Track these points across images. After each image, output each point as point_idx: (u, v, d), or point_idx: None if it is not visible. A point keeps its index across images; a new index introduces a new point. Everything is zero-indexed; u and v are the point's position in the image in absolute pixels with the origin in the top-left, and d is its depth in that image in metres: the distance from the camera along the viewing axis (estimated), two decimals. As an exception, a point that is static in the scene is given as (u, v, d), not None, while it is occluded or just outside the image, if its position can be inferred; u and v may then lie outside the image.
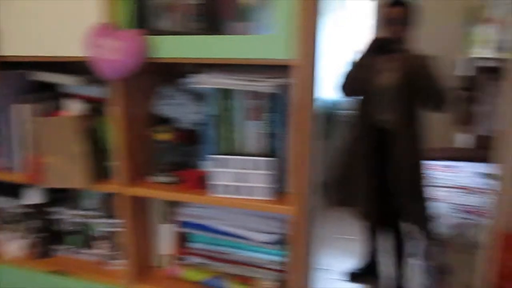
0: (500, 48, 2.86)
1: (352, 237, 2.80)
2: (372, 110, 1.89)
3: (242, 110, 1.34)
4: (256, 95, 1.30)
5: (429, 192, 2.01)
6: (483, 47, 3.10)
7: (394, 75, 1.84)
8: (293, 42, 1.11)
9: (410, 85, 1.79)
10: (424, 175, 1.98)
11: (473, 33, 3.34)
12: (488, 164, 3.37)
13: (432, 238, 2.13)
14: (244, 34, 1.19)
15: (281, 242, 1.37)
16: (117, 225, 1.52)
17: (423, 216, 2.02)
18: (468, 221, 2.32)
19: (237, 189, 1.31)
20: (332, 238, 2.94)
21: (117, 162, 1.38)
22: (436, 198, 2.61)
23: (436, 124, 2.53)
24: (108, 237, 1.58)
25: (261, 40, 1.14)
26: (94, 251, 1.62)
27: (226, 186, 1.32)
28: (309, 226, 1.40)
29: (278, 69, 1.23)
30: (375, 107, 1.87)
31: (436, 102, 1.83)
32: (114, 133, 1.37)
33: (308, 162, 1.24)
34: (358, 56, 1.95)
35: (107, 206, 1.56)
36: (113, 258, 1.58)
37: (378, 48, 1.80)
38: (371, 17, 3.12)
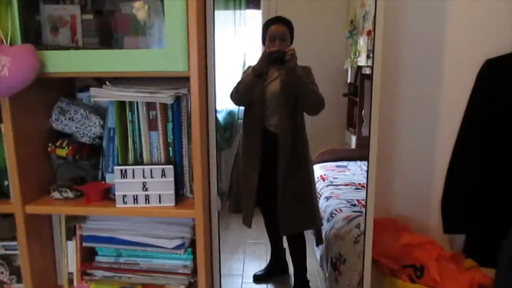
0: (372, 57, 3.21)
1: (263, 241, 2.92)
2: (260, 116, 2.03)
3: (142, 121, 1.38)
4: (155, 106, 1.36)
5: (316, 191, 2.18)
6: (364, 56, 3.45)
7: (278, 84, 2.01)
8: (185, 55, 1.19)
9: (291, 92, 1.97)
10: (312, 175, 2.16)
11: (357, 44, 3.69)
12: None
13: (320, 234, 2.34)
14: (138, 48, 1.25)
15: (190, 247, 1.43)
16: (16, 246, 1.46)
17: (314, 218, 2.20)
18: (357, 213, 2.56)
19: (141, 198, 1.35)
20: (246, 243, 3.03)
21: (12, 180, 1.34)
22: (330, 196, 2.83)
23: (330, 127, 2.77)
24: (7, 260, 1.50)
25: (154, 54, 1.21)
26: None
27: (130, 196, 1.35)
28: (213, 229, 1.48)
29: (177, 80, 1.30)
30: (263, 113, 2.01)
31: (311, 107, 2.03)
32: (6, 150, 1.32)
33: (207, 168, 1.32)
34: (249, 68, 2.09)
35: (8, 226, 1.49)
36: (12, 281, 1.51)
37: (266, 60, 1.95)
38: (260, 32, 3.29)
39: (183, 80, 1.27)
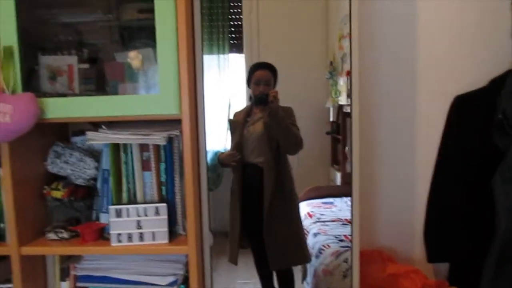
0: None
1: (253, 281, 2.92)
2: (247, 154, 2.13)
3: (136, 162, 1.45)
4: (148, 147, 1.43)
5: (304, 228, 2.24)
6: (344, 95, 3.60)
7: (261, 125, 2.14)
8: (176, 99, 1.28)
9: (273, 132, 2.09)
10: (298, 211, 2.23)
11: (337, 84, 3.86)
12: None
13: (306, 269, 2.39)
14: (131, 94, 1.33)
15: (183, 284, 1.46)
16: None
17: (302, 253, 2.26)
18: (345, 248, 2.61)
19: (135, 236, 1.39)
20: (236, 283, 3.01)
21: (8, 223, 1.37)
22: (318, 232, 2.88)
23: (315, 165, 2.85)
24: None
25: (148, 99, 1.30)
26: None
27: (125, 234, 1.39)
28: (206, 265, 1.52)
29: (168, 122, 1.39)
30: (247, 153, 2.13)
31: (289, 146, 2.14)
32: (4, 194, 1.37)
33: (199, 206, 1.38)
34: (237, 110, 2.22)
35: (3, 269, 1.50)
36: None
37: (253, 102, 2.08)
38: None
39: (175, 122, 1.35)
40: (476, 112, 1.68)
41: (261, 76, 2.13)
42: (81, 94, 1.40)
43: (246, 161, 2.16)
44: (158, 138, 1.36)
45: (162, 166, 1.45)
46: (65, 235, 1.46)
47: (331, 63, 4.02)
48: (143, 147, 1.45)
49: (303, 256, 2.31)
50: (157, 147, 1.44)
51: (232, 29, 4.21)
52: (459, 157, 1.70)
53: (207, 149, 3.13)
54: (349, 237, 2.84)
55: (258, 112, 2.16)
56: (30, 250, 1.39)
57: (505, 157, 1.49)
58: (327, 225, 3.19)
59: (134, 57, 1.28)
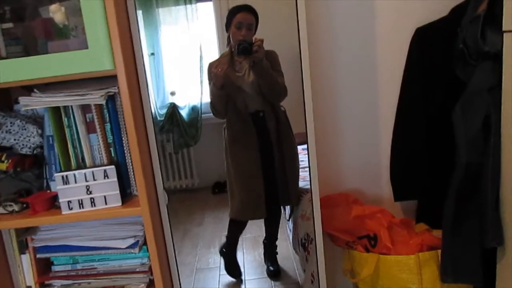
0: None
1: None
2: (244, 104, 2.05)
3: (80, 125, 1.37)
4: (90, 108, 1.35)
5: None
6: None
7: (251, 74, 2.04)
8: (108, 53, 1.19)
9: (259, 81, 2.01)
10: (297, 151, 2.21)
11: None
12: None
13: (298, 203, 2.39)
14: (62, 51, 1.23)
15: (145, 245, 1.43)
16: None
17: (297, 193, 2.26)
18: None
19: (86, 202, 1.34)
20: (222, 236, 3.02)
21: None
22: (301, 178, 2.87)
23: (301, 110, 2.81)
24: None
25: (77, 55, 1.20)
26: None
27: (75, 201, 1.34)
28: (165, 223, 1.49)
29: (108, 80, 1.30)
30: (246, 102, 2.05)
31: (273, 95, 2.07)
32: None
33: (150, 165, 1.32)
34: (212, 60, 2.11)
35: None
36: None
37: (235, 50, 1.97)
38: (218, 22, 3.28)
39: (114, 79, 1.26)
40: (438, 44, 1.60)
41: (243, 19, 1.99)
42: (8, 57, 1.29)
43: (245, 111, 2.08)
44: (96, 97, 1.27)
45: (108, 126, 1.37)
46: (15, 207, 1.40)
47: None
48: (86, 109, 1.36)
49: (297, 195, 2.31)
50: (99, 107, 1.36)
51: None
52: (422, 93, 1.64)
53: (183, 104, 3.06)
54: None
55: (243, 61, 2.05)
56: (-22, 226, 1.34)
57: (466, 88, 1.44)
58: (305, 171, 3.19)
59: (56, 10, 1.17)
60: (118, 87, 1.25)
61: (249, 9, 2.02)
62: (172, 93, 2.92)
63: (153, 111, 3.97)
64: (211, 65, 2.10)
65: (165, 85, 3.09)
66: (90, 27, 1.16)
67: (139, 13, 3.97)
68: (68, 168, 1.39)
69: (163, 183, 1.47)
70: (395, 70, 1.68)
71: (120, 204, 1.35)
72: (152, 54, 3.78)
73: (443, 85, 1.59)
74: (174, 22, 3.78)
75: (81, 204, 1.34)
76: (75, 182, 1.33)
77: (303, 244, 2.52)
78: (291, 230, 2.67)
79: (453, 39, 1.53)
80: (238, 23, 1.98)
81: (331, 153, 1.84)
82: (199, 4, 3.21)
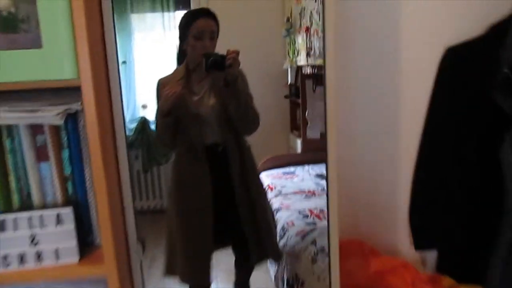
0: (312, 55, 3.01)
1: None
2: (200, 134, 1.60)
3: (27, 150, 1.02)
4: (42, 128, 1.01)
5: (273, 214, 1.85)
6: (303, 55, 3.24)
7: (213, 98, 1.60)
8: (71, 57, 0.85)
9: (229, 106, 1.56)
10: (266, 195, 1.83)
11: (295, 43, 3.48)
12: (318, 165, 3.50)
13: (279, 257, 2.04)
14: (6, 49, 0.89)
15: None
16: None
17: (275, 246, 1.87)
18: (310, 226, 2.32)
19: (30, 257, 0.99)
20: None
21: None
22: (280, 207, 2.58)
23: (273, 132, 2.51)
24: None
25: (26, 56, 0.86)
26: None
27: (14, 255, 0.98)
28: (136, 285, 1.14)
29: (68, 93, 0.96)
30: (204, 131, 1.60)
31: (247, 126, 1.61)
32: None
33: (120, 206, 0.98)
34: (163, 76, 1.68)
35: None
36: None
37: (206, 65, 1.49)
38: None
39: (77, 92, 0.93)
40: (473, 66, 1.35)
41: (205, 26, 1.57)
42: None
43: (200, 144, 1.61)
44: (50, 115, 0.93)
45: (65, 154, 1.03)
46: None
47: (288, 19, 3.63)
48: (36, 129, 1.02)
49: (277, 249, 1.92)
50: (55, 128, 1.01)
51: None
52: (451, 124, 1.38)
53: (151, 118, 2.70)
54: (314, 211, 2.57)
55: (203, 80, 1.62)
56: None
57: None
58: (289, 199, 2.88)
59: (-3, -7, 0.83)
60: (82, 103, 0.92)
61: (210, 14, 1.60)
62: (144, 106, 2.61)
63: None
64: (161, 83, 1.62)
65: (136, 97, 2.79)
66: (47, 19, 0.83)
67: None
68: (9, 208, 1.03)
69: (136, 231, 1.13)
70: (420, 97, 1.42)
71: (77, 259, 1.00)
72: (124, 62, 3.44)
73: (478, 115, 1.34)
74: (149, 29, 3.47)
75: (22, 259, 0.98)
76: (15, 229, 0.98)
77: (290, 285, 2.20)
78: (274, 265, 2.36)
79: (493, 61, 1.28)
80: (198, 32, 1.55)
81: (341, 191, 1.54)
82: (178, 12, 2.87)
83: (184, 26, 1.57)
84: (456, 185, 1.37)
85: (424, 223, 1.46)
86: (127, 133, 3.63)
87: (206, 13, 1.60)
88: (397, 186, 1.49)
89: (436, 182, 1.40)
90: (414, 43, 1.42)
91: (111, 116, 1.04)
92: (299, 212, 2.57)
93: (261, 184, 1.77)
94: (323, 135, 3.78)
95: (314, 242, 2.11)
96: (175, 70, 1.64)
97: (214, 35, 1.57)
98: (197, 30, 1.54)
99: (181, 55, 1.62)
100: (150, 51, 3.34)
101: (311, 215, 2.53)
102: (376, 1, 1.45)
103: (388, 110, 1.48)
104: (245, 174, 1.65)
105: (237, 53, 1.44)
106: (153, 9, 3.34)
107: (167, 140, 1.61)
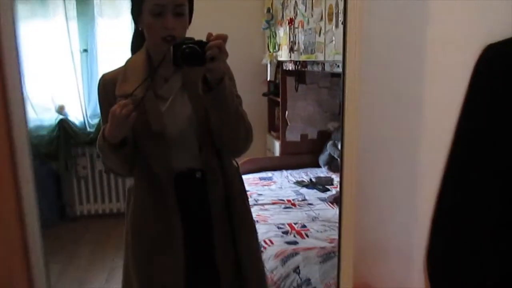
0: (296, 50, 2.73)
1: None
2: (164, 157, 1.10)
3: None
4: None
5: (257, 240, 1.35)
6: (285, 50, 2.96)
7: (186, 103, 1.09)
8: None
9: (212, 115, 1.05)
10: (257, 235, 1.31)
11: (275, 36, 3.21)
12: (298, 171, 3.25)
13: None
14: None
15: None
16: None
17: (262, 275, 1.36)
18: (291, 246, 2.04)
19: None
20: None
21: None
22: (257, 220, 2.29)
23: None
24: None
25: None
26: None
27: None
28: None
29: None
30: (168, 153, 1.10)
31: (236, 142, 1.11)
32: None
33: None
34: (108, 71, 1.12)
35: None
36: None
37: (175, 57, 0.95)
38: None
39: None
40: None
41: None
42: None
43: (167, 172, 1.11)
44: None
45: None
46: None
47: (268, 10, 3.33)
48: None
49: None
50: None
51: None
52: (489, 142, 1.08)
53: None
54: (295, 227, 2.29)
55: (173, 75, 1.10)
56: None
57: None
58: (266, 210, 2.58)
59: None
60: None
61: None
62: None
63: (82, 120, 3.24)
64: (106, 83, 1.09)
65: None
66: None
67: (73, 2, 3.23)
68: None
69: None
70: (450, 103, 1.11)
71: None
72: (85, 50, 3.07)
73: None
74: (114, 15, 3.10)
75: None
76: None
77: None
78: None
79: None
80: (156, 6, 1.01)
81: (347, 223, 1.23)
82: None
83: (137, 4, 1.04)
84: (491, 219, 1.09)
85: (446, 269, 1.18)
86: (89, 129, 3.27)
87: None
88: (413, 219, 1.20)
89: (462, 217, 1.12)
90: (444, 40, 1.12)
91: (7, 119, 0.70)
92: (278, 227, 2.29)
93: (252, 223, 1.26)
94: (304, 137, 3.53)
95: (297, 270, 1.82)
96: (128, 61, 1.10)
97: (181, 10, 1.03)
98: (154, 1, 1.00)
99: (138, 40, 1.11)
100: (116, 39, 2.98)
101: (291, 230, 2.25)
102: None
103: (408, 116, 1.17)
104: (233, 212, 1.17)
105: (224, 38, 0.95)
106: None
107: (118, 171, 1.15)
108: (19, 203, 0.78)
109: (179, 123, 1.09)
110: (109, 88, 1.07)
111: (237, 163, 1.22)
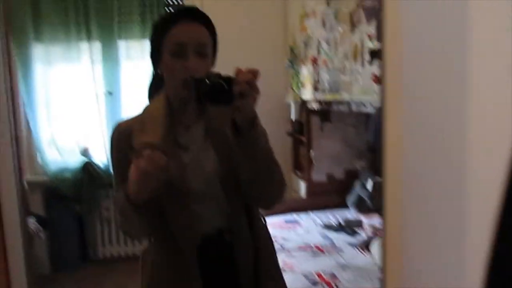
0: (320, 89, 2.66)
1: None
2: (184, 225, 0.97)
3: None
4: None
5: None
6: (309, 88, 2.89)
7: (211, 153, 0.98)
8: None
9: (242, 164, 0.92)
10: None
11: (299, 75, 3.16)
12: (324, 212, 3.10)
13: None
14: None
15: None
16: None
17: None
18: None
19: None
20: None
21: None
22: (282, 268, 2.14)
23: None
24: None
25: None
26: None
27: None
28: None
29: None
30: (193, 215, 0.98)
31: (267, 192, 0.98)
32: None
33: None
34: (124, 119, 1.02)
35: None
36: None
37: (201, 94, 0.84)
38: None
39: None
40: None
41: (187, 34, 0.93)
42: None
43: (190, 235, 0.98)
44: None
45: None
46: None
47: (291, 49, 3.30)
48: None
49: None
50: None
51: (169, 1, 3.34)
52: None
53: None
54: (325, 277, 2.14)
55: (195, 121, 0.99)
56: None
57: None
58: (293, 256, 2.43)
59: None
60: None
61: (196, 16, 0.96)
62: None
63: (106, 163, 3.22)
64: (120, 133, 0.98)
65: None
66: None
67: (98, 45, 3.28)
68: None
69: None
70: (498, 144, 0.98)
71: None
72: (110, 93, 3.09)
73: None
74: (139, 58, 3.13)
75: None
76: None
77: None
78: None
79: None
80: (176, 45, 0.93)
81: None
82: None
83: (157, 36, 0.96)
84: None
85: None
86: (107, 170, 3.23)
87: (190, 14, 0.96)
88: (461, 270, 1.07)
89: None
90: (487, 75, 1.01)
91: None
92: (306, 277, 2.14)
93: (281, 278, 1.10)
94: (331, 177, 3.39)
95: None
96: (146, 109, 0.99)
97: (205, 50, 0.94)
98: (174, 41, 0.92)
99: (156, 86, 1.02)
100: (140, 82, 2.98)
101: (320, 281, 2.10)
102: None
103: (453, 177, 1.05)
104: (260, 270, 1.02)
105: (255, 73, 0.82)
106: (143, 36, 2.99)
107: (138, 234, 1.07)
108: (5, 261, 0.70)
109: (205, 177, 0.97)
110: (124, 138, 0.95)
111: (264, 219, 1.09)
